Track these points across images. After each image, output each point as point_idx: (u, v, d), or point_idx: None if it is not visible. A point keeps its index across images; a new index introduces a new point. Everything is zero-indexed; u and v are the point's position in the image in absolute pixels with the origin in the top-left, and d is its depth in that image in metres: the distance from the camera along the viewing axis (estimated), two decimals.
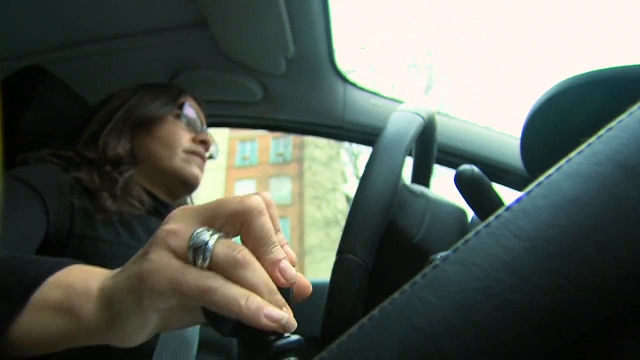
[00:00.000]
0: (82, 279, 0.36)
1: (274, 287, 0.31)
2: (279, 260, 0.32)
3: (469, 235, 0.17)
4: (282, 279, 0.32)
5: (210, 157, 0.92)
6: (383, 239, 0.49)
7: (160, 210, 0.84)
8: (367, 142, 1.12)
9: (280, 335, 0.29)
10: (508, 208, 0.17)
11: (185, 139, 0.86)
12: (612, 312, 0.14)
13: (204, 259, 0.31)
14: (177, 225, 0.33)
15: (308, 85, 1.08)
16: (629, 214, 0.15)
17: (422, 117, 0.56)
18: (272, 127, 1.21)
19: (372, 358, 0.15)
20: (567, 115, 0.65)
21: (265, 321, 0.29)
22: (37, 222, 0.65)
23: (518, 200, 0.17)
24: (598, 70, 0.61)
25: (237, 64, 1.04)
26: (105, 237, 0.70)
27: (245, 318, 0.29)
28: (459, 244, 0.17)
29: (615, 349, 0.14)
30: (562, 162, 0.17)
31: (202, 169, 0.89)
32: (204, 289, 0.30)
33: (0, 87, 0.84)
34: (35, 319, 0.35)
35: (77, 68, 1.03)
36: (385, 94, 1.11)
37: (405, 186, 0.62)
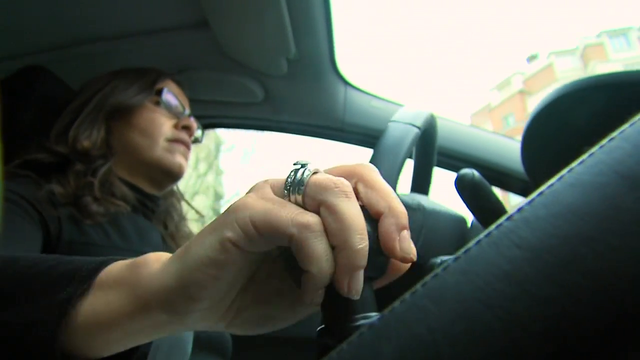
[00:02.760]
0: (149, 255, 0.31)
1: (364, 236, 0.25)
2: (403, 227, 0.26)
3: (470, 244, 0.17)
4: (398, 249, 0.26)
5: (196, 140, 0.88)
6: None
7: (147, 204, 0.81)
8: (368, 144, 1.12)
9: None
10: (509, 217, 0.17)
11: (166, 126, 0.81)
12: (613, 324, 0.14)
13: (299, 189, 0.27)
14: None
15: (309, 87, 1.08)
16: (631, 225, 0.15)
17: (418, 127, 0.56)
18: (272, 128, 1.21)
19: None
20: (568, 119, 0.65)
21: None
22: (34, 239, 0.62)
23: (519, 210, 0.17)
24: (599, 76, 0.61)
25: (238, 65, 1.04)
26: (96, 241, 0.68)
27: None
28: (460, 253, 0.17)
29: None
30: (564, 171, 0.17)
31: (186, 156, 0.84)
32: (302, 225, 0.25)
33: (0, 87, 0.84)
34: (98, 295, 0.30)
35: (78, 68, 1.03)
36: (386, 97, 1.11)
37: (401, 201, 0.62)
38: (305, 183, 0.27)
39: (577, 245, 0.15)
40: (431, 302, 0.16)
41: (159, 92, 0.83)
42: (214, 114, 1.18)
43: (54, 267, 0.32)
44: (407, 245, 0.26)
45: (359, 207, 0.26)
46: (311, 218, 0.25)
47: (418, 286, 0.17)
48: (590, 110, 0.63)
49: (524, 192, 1.01)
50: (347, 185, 0.26)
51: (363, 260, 0.25)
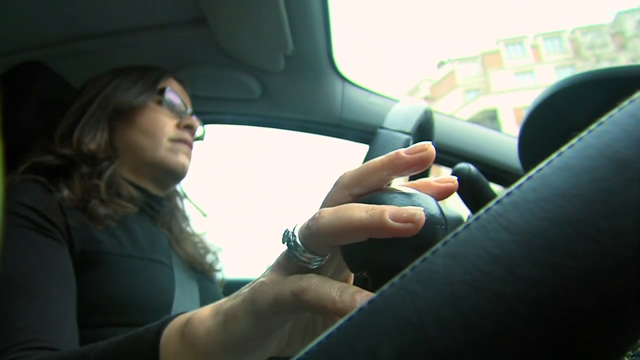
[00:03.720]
0: (197, 312, 0.36)
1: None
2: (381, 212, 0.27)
3: (459, 228, 0.17)
4: (396, 225, 0.26)
5: (198, 139, 0.88)
6: None
7: (152, 205, 0.82)
8: (365, 140, 1.12)
9: None
10: (498, 201, 0.17)
11: (169, 126, 0.81)
12: (601, 305, 0.14)
13: (297, 246, 0.30)
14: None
15: (307, 83, 1.08)
16: (618, 207, 0.15)
17: (409, 134, 0.55)
18: (270, 124, 1.21)
19: (360, 349, 0.15)
20: (565, 115, 0.65)
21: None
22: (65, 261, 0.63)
23: (508, 194, 0.17)
24: (597, 71, 0.61)
25: (236, 61, 1.04)
26: (108, 249, 0.67)
27: (341, 313, 0.27)
28: (449, 237, 0.17)
29: (606, 342, 0.14)
30: (553, 155, 0.17)
31: (189, 156, 0.84)
32: (297, 291, 0.29)
33: None
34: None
35: (76, 63, 1.03)
36: (383, 93, 1.11)
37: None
38: (301, 242, 0.30)
39: (566, 228, 0.15)
40: (419, 285, 0.16)
41: (162, 92, 0.82)
42: (210, 111, 1.18)
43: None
44: (405, 215, 0.28)
45: (333, 211, 0.29)
46: (306, 282, 0.29)
47: (407, 270, 0.17)
48: (587, 106, 0.63)
49: None
50: (314, 215, 0.30)
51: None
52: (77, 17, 0.97)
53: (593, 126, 0.17)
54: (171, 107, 0.83)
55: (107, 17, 0.97)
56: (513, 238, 0.16)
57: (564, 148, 0.17)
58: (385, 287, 0.17)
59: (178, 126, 0.82)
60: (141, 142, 0.79)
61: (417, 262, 0.17)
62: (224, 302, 0.34)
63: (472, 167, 0.59)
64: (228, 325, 0.32)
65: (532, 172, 0.17)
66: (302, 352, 0.17)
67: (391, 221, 0.26)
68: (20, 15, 0.94)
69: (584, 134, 0.17)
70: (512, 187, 0.17)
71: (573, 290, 0.15)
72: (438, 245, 0.17)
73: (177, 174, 0.82)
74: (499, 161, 1.00)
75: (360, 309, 0.17)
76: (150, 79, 0.82)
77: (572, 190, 0.16)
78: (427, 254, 0.17)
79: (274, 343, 0.34)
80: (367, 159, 0.51)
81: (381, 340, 0.15)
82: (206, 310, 0.35)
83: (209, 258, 0.89)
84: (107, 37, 1.01)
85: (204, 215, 0.97)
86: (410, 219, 0.26)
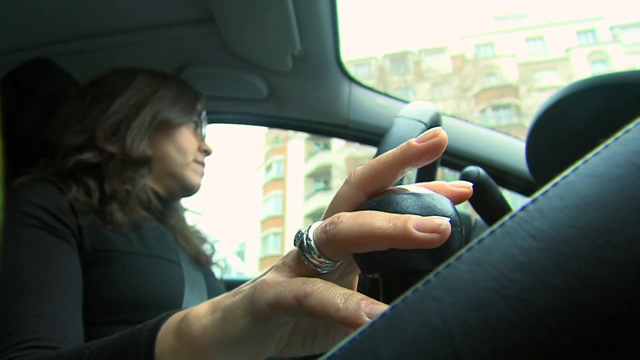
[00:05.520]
0: (194, 308, 0.35)
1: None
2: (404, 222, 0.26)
3: (484, 234, 0.17)
4: (421, 235, 0.25)
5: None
6: None
7: (160, 206, 0.83)
8: (372, 142, 1.12)
9: None
10: (523, 208, 0.17)
11: (194, 147, 0.86)
12: (631, 316, 0.14)
13: (310, 249, 0.29)
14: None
15: (314, 84, 1.08)
16: None
17: (425, 123, 0.55)
18: (276, 124, 1.21)
19: (385, 356, 0.15)
20: (573, 120, 0.65)
21: (366, 320, 0.25)
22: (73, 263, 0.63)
23: (533, 201, 0.17)
24: (605, 75, 0.61)
25: (243, 61, 1.04)
26: (119, 247, 0.68)
27: (345, 320, 0.26)
28: (473, 243, 0.17)
29: (635, 352, 0.14)
30: (579, 163, 0.17)
31: (203, 177, 0.89)
32: (300, 295, 0.28)
33: (6, 79, 0.84)
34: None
35: (84, 61, 1.03)
36: (391, 94, 1.11)
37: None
38: (315, 245, 0.29)
39: (594, 237, 0.15)
40: (445, 292, 0.16)
41: (199, 115, 0.88)
42: (217, 110, 1.18)
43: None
44: (429, 226, 0.27)
45: (352, 217, 0.28)
46: (310, 287, 0.28)
47: (431, 276, 0.17)
48: (595, 110, 0.63)
49: (527, 192, 1.01)
50: (332, 219, 0.29)
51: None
52: (84, 15, 0.97)
53: (619, 133, 0.17)
54: (200, 130, 0.89)
55: (115, 15, 0.97)
56: (540, 245, 0.16)
57: (589, 155, 0.17)
58: (408, 292, 0.17)
59: (199, 149, 0.88)
60: (173, 156, 0.83)
61: (441, 268, 0.17)
62: (222, 298, 0.33)
63: (481, 170, 0.58)
64: (225, 323, 0.31)
65: (558, 179, 0.17)
66: (324, 358, 0.16)
67: (416, 231, 0.25)
68: (28, 12, 0.94)
69: (610, 141, 0.17)
70: (537, 193, 0.17)
71: (601, 300, 0.14)
72: (462, 251, 0.17)
73: (191, 192, 0.87)
74: (506, 164, 1.00)
75: (383, 315, 0.16)
76: (190, 99, 0.86)
77: (600, 198, 0.16)
78: (452, 259, 0.17)
79: (272, 344, 0.33)
80: (383, 146, 0.51)
81: (406, 347, 0.15)
82: (204, 307, 0.34)
83: (206, 248, 0.91)
84: (114, 35, 1.01)
85: (199, 214, 0.98)
86: (436, 230, 0.25)
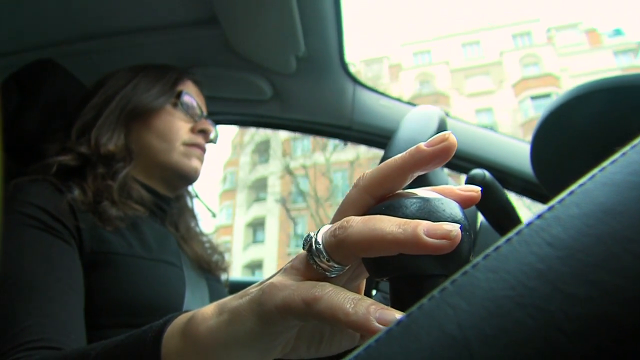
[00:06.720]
0: (201, 310, 0.35)
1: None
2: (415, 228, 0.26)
3: (500, 242, 0.17)
4: (431, 241, 0.25)
5: (211, 141, 0.87)
6: None
7: (162, 206, 0.82)
8: (376, 143, 1.12)
9: None
10: (540, 216, 0.17)
11: (183, 130, 0.81)
12: None
13: (319, 253, 0.29)
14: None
15: (318, 85, 1.08)
16: None
17: (439, 118, 0.55)
18: (280, 126, 1.21)
19: None
20: (578, 122, 0.65)
21: (375, 325, 0.25)
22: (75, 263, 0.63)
23: (550, 208, 0.17)
24: (611, 78, 0.61)
25: (248, 62, 1.04)
26: (118, 250, 0.67)
27: (354, 325, 0.26)
28: (489, 250, 0.17)
29: None
30: (596, 170, 0.17)
31: (202, 160, 0.84)
32: (309, 299, 0.28)
33: (10, 80, 0.84)
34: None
35: (88, 62, 1.03)
36: (395, 96, 1.11)
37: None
38: (324, 249, 0.29)
39: (612, 245, 0.15)
40: (462, 300, 0.16)
41: (179, 95, 0.82)
42: (221, 111, 1.18)
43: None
44: (440, 232, 0.27)
45: (362, 221, 0.28)
46: (319, 292, 0.28)
47: (447, 283, 0.16)
48: (600, 113, 0.63)
49: (529, 194, 1.01)
50: (342, 223, 0.29)
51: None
52: (89, 16, 0.97)
53: (636, 141, 0.17)
54: (187, 110, 0.83)
55: (119, 16, 0.97)
56: (557, 254, 0.16)
57: (606, 163, 0.17)
58: (424, 300, 0.17)
59: (192, 130, 0.83)
60: (155, 145, 0.79)
61: (457, 275, 0.17)
62: (229, 300, 0.33)
63: (487, 173, 0.58)
64: (232, 325, 0.31)
65: (574, 187, 0.17)
66: None
67: (426, 237, 0.25)
68: (32, 13, 0.95)
69: (627, 149, 0.17)
70: (554, 201, 0.17)
71: (619, 308, 0.14)
72: (479, 258, 0.17)
73: (189, 178, 0.83)
74: (510, 167, 0.99)
75: (399, 322, 0.16)
76: (169, 81, 0.82)
77: (618, 206, 0.16)
78: (468, 267, 0.17)
79: (278, 347, 0.33)
80: (389, 151, 0.51)
81: (423, 355, 0.15)
82: (210, 308, 0.34)
83: (215, 258, 0.89)
84: (118, 36, 1.01)
85: (214, 215, 0.97)
86: (446, 236, 0.25)
